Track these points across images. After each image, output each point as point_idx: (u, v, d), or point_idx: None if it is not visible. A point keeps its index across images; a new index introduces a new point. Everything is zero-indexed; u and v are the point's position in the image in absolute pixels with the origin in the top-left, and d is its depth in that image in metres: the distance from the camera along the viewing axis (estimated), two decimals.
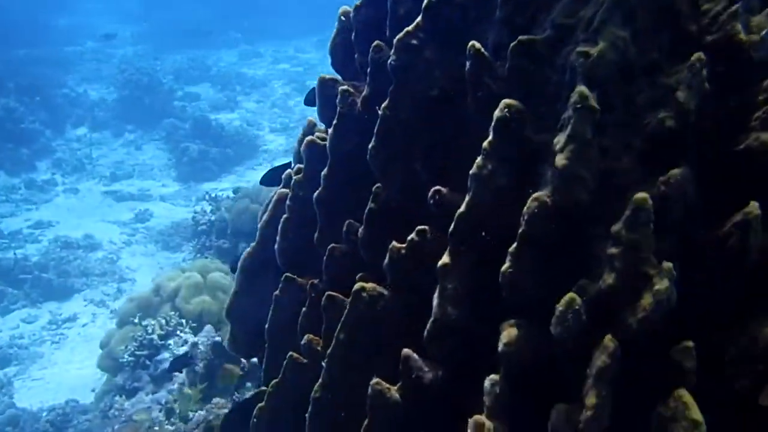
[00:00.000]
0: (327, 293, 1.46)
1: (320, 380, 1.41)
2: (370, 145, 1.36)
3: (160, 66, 12.09)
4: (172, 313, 4.22)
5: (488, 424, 1.08)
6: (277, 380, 1.57)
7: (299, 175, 1.63)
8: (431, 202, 1.26)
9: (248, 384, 3.37)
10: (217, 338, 3.54)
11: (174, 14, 14.98)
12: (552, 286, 1.07)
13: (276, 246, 1.67)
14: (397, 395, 1.28)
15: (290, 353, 1.54)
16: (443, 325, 1.19)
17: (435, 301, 1.20)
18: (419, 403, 1.27)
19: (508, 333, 1.09)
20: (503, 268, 1.09)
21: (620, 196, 1.02)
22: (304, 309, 1.58)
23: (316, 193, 1.54)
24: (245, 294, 1.80)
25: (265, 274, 1.77)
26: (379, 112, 1.32)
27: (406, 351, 1.26)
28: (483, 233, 1.15)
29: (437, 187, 1.25)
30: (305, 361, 1.54)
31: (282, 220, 1.65)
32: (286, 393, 1.55)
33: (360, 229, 1.42)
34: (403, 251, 1.28)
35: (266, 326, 1.67)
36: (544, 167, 1.08)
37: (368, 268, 1.42)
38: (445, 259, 1.19)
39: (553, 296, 1.05)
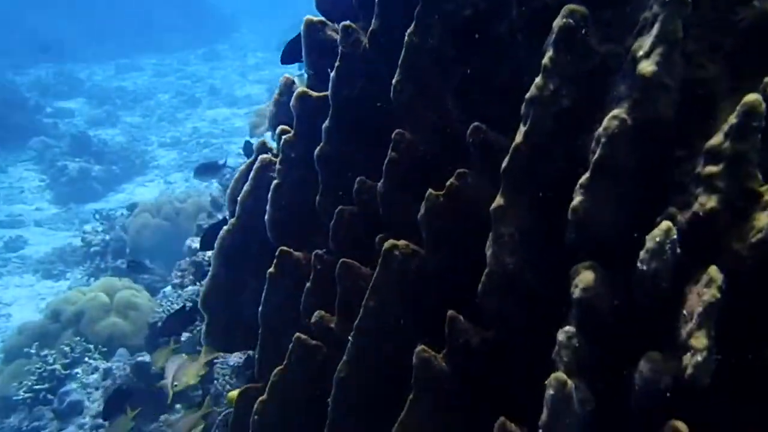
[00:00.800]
0: (341, 260, 1.29)
1: (345, 357, 1.23)
2: (394, 80, 1.20)
3: (21, 81, 11.08)
4: (77, 338, 3.75)
5: (570, 382, 0.96)
6: (281, 367, 1.37)
7: (289, 135, 1.44)
8: (471, 140, 1.13)
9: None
10: (141, 358, 3.17)
11: (29, 26, 13.75)
12: (631, 220, 0.97)
13: (266, 217, 1.47)
14: (443, 363, 1.13)
15: (297, 335, 1.35)
16: (500, 276, 1.06)
17: (489, 251, 1.07)
18: (468, 370, 1.13)
19: (585, 277, 0.97)
20: (574, 203, 0.98)
21: (706, 110, 0.95)
22: (307, 285, 1.39)
23: (317, 150, 1.36)
24: (223, 278, 1.57)
25: (246, 253, 1.55)
26: (405, 40, 1.17)
27: (452, 313, 1.12)
28: (544, 167, 1.03)
29: (477, 124, 1.13)
30: (314, 342, 1.35)
31: (272, 187, 1.46)
32: (294, 380, 1.35)
33: (379, 184, 1.26)
34: (441, 198, 1.14)
35: (260, 310, 1.46)
36: (615, 81, 0.99)
37: (389, 230, 1.27)
38: (499, 200, 1.06)
39: (631, 232, 0.95)
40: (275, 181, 1.45)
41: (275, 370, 1.37)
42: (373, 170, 1.31)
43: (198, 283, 3.74)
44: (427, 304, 1.19)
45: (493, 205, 1.06)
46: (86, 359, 3.67)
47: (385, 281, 1.18)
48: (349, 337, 1.23)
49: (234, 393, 1.93)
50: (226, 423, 2.18)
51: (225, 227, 1.56)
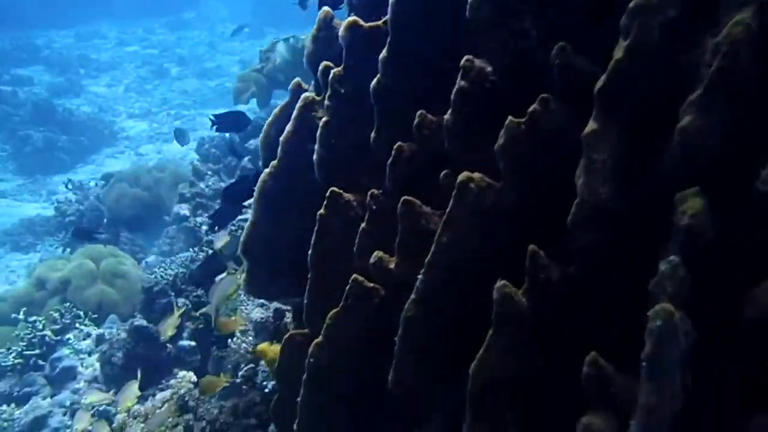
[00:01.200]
0: (403, 199, 1.23)
1: (414, 296, 1.18)
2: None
3: None
4: (67, 304, 3.62)
5: (676, 312, 0.93)
6: (336, 310, 1.31)
7: (338, 69, 1.36)
8: (556, 62, 1.07)
9: None
10: (138, 322, 3.07)
11: None
12: (747, 140, 0.93)
13: (314, 157, 1.39)
14: (523, 300, 1.09)
15: (354, 276, 1.29)
16: (592, 206, 1.02)
17: (579, 180, 1.02)
18: (548, 308, 1.09)
19: (693, 204, 0.93)
20: (683, 123, 0.93)
21: None
22: (362, 226, 1.33)
23: (373, 83, 1.29)
24: (266, 224, 1.50)
25: (289, 197, 1.48)
26: None
27: (533, 247, 1.07)
28: (645, 85, 0.99)
29: (562, 44, 1.07)
30: (371, 284, 1.30)
31: (321, 124, 1.38)
32: (350, 322, 1.30)
33: (446, 116, 1.20)
34: (523, 126, 1.09)
35: (309, 253, 1.39)
36: None
37: (455, 165, 1.21)
38: (593, 125, 1.01)
39: (746, 154, 0.92)
40: (324, 119, 1.38)
41: (330, 313, 1.31)
42: (435, 103, 1.25)
43: (191, 249, 3.63)
44: (504, 239, 1.14)
45: (586, 130, 1.01)
46: (77, 325, 3.54)
47: (460, 215, 1.13)
48: (419, 275, 1.18)
49: (264, 345, 1.88)
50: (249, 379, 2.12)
51: (266, 170, 1.49)
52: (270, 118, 1.65)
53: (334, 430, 1.39)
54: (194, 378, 2.46)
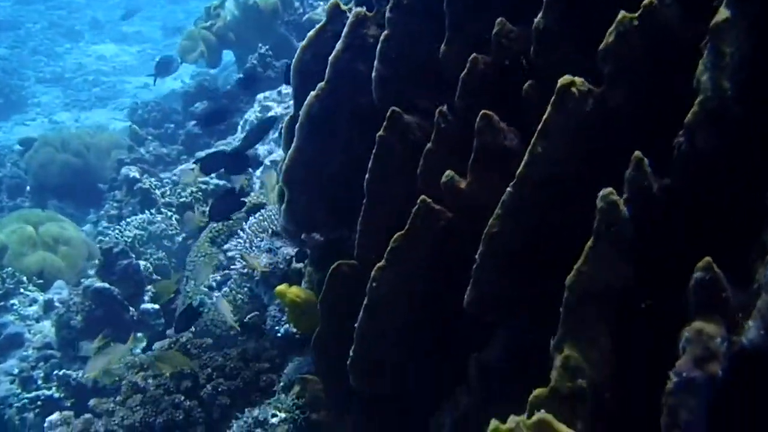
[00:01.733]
0: (482, 112, 1.16)
1: (499, 211, 1.12)
2: None
3: None
4: (9, 269, 3.29)
5: None
6: (401, 233, 1.23)
7: None
8: None
9: None
10: (98, 284, 2.83)
11: None
12: None
13: (373, 74, 1.30)
14: (625, 209, 1.06)
15: (422, 197, 1.22)
16: (716, 106, 0.99)
17: (704, 76, 0.99)
18: (648, 219, 1.07)
19: None
20: None
21: None
22: (428, 146, 1.26)
23: None
24: (311, 150, 1.39)
25: (336, 120, 1.38)
26: None
27: (637, 154, 1.04)
28: None
29: None
30: (438, 206, 1.23)
31: (382, 38, 1.29)
32: (416, 246, 1.23)
33: (536, 19, 1.14)
34: (636, 22, 1.05)
35: (366, 178, 1.31)
36: None
37: (541, 75, 1.16)
38: (725, 12, 0.98)
39: None
40: (385, 32, 1.29)
41: (396, 236, 1.24)
42: (514, 12, 1.20)
43: (147, 211, 3.41)
44: (604, 146, 1.10)
45: (717, 19, 0.96)
46: (21, 291, 3.24)
47: (559, 123, 1.08)
48: (508, 188, 1.12)
49: (282, 287, 1.78)
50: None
51: (312, 93, 1.38)
52: (304, 42, 1.54)
53: (392, 356, 1.33)
54: None
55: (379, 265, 1.26)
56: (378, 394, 1.40)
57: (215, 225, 2.66)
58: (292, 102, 1.68)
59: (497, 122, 1.19)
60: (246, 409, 1.94)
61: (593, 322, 1.08)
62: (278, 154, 3.23)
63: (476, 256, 1.17)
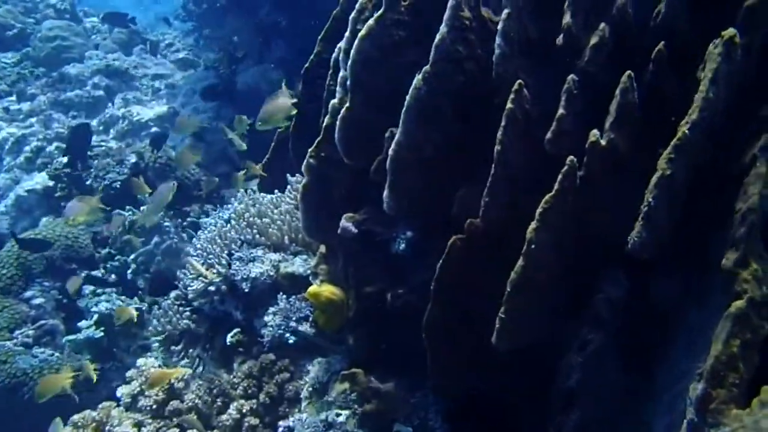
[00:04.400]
0: (627, 72, 1.30)
1: (671, 154, 1.23)
2: None
3: None
4: None
5: None
6: (552, 194, 1.32)
7: None
8: None
9: None
10: None
11: None
12: None
13: (497, 52, 1.40)
14: None
15: (570, 158, 1.32)
16: None
17: None
18: None
19: None
20: None
21: None
22: (561, 111, 1.36)
23: None
24: (416, 131, 1.46)
25: (440, 101, 1.44)
26: None
27: None
28: None
29: None
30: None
31: (503, 17, 1.39)
32: (565, 203, 1.33)
33: None
34: None
35: (496, 149, 1.38)
36: None
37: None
38: None
39: None
40: (506, 11, 1.38)
41: (546, 197, 1.32)
42: None
43: None
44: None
45: None
46: None
47: (724, 72, 1.20)
48: (682, 129, 1.21)
49: (315, 288, 1.77)
50: None
51: (418, 76, 1.42)
52: (363, 32, 1.57)
53: (541, 309, 1.39)
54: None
55: (533, 226, 1.33)
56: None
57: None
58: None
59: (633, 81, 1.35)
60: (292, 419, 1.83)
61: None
62: None
63: (650, 199, 1.27)
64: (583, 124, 1.38)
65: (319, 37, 2.09)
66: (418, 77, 1.43)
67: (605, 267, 1.41)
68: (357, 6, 1.78)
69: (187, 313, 2.28)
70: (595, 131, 1.32)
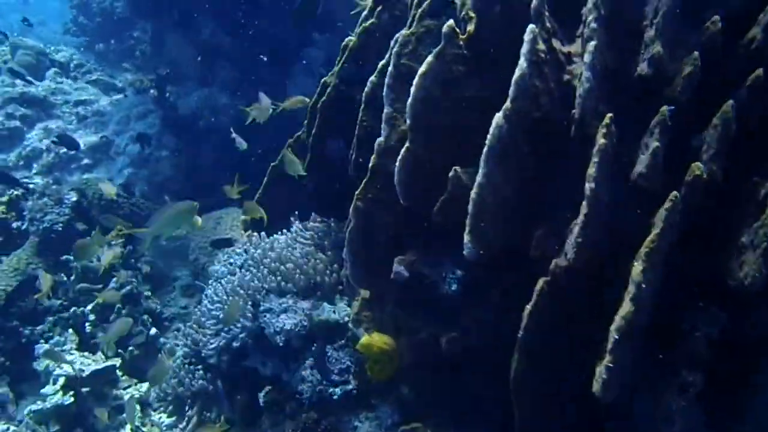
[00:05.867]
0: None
1: None
2: None
3: None
4: None
5: None
6: (656, 233, 1.29)
7: None
8: None
9: None
10: None
11: None
12: None
13: (584, 86, 1.34)
14: None
15: (673, 194, 1.28)
16: None
17: None
18: None
19: None
20: None
21: None
22: (655, 144, 1.32)
23: None
24: (497, 170, 1.38)
25: (518, 138, 1.38)
26: None
27: None
28: None
29: None
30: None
31: (590, 49, 1.33)
32: (666, 241, 1.30)
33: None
34: None
35: (588, 186, 1.31)
36: None
37: None
38: None
39: None
40: (592, 42, 1.33)
41: (652, 237, 1.28)
42: None
43: None
44: None
45: None
46: None
47: None
48: None
49: (366, 338, 1.71)
50: None
51: (499, 114, 1.34)
52: (423, 68, 1.49)
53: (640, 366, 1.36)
54: None
55: (640, 268, 1.27)
56: None
57: None
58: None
59: None
60: None
61: None
62: None
63: None
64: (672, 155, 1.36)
65: (335, 70, 1.97)
66: (499, 116, 1.36)
67: (698, 302, 1.39)
68: (399, 40, 1.69)
69: (200, 373, 2.07)
70: (698, 164, 1.30)
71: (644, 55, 1.38)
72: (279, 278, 1.95)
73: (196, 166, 4.17)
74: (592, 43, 1.34)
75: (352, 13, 2.19)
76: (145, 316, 3.34)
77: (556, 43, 1.47)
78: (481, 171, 1.39)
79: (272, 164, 2.41)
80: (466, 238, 1.42)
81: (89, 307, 3.24)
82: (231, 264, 2.09)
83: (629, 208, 1.39)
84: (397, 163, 1.56)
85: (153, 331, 3.26)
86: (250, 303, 1.92)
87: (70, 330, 3.18)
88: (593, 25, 1.35)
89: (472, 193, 1.39)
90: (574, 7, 1.50)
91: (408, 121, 1.54)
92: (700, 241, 1.37)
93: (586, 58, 1.34)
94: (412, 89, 1.51)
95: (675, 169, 1.35)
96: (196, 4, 4.03)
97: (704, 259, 1.35)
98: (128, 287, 3.30)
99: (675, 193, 1.28)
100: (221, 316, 1.95)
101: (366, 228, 1.70)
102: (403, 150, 1.56)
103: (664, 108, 1.31)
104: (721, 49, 1.34)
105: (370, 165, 1.68)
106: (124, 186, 4.03)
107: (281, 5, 3.84)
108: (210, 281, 2.09)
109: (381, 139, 1.67)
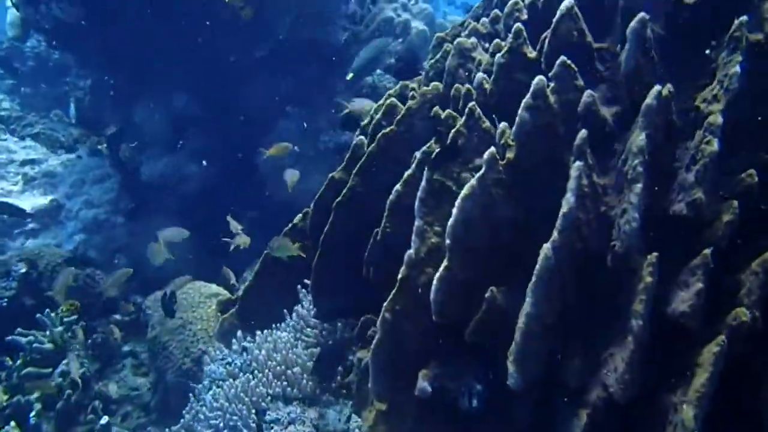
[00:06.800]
0: None
1: None
2: None
3: None
4: None
5: None
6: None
7: None
8: None
9: None
10: None
11: None
12: None
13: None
14: None
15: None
16: None
17: None
18: None
19: None
20: None
21: None
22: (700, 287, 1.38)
23: None
24: (543, 301, 1.40)
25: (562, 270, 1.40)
26: None
27: None
28: None
29: None
30: None
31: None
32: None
33: None
34: None
35: (635, 309, 1.36)
36: None
37: None
38: None
39: None
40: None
41: (702, 381, 1.30)
42: None
43: None
44: None
45: None
46: None
47: None
48: None
49: None
50: None
51: (547, 245, 1.36)
52: (465, 191, 1.54)
53: None
54: None
55: (691, 414, 1.30)
56: None
57: None
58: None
59: None
60: None
61: None
62: None
63: None
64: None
65: (354, 171, 1.98)
66: (547, 247, 1.39)
67: None
68: (424, 148, 1.73)
69: None
70: (744, 310, 1.36)
71: (682, 197, 1.45)
72: (285, 383, 1.86)
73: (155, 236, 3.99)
74: (638, 185, 1.40)
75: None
76: (96, 402, 3.11)
77: (595, 178, 1.53)
78: (528, 300, 1.40)
79: (265, 252, 2.36)
80: (511, 368, 1.42)
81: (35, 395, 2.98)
82: (229, 365, 1.98)
83: (665, 345, 1.43)
84: (435, 282, 1.56)
85: (104, 420, 3.03)
86: (253, 411, 1.82)
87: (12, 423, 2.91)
88: (639, 169, 1.41)
89: (520, 323, 1.40)
90: (607, 143, 1.58)
91: (447, 242, 1.55)
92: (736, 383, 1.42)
93: (632, 198, 1.40)
94: (454, 211, 1.53)
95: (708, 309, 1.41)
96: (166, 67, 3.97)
97: (743, 398, 1.39)
98: (82, 369, 3.07)
99: (722, 337, 1.33)
100: (221, 425, 1.82)
101: (393, 342, 1.68)
102: (441, 270, 1.56)
103: (707, 251, 1.38)
104: (757, 196, 1.43)
105: (400, 276, 1.67)
106: (78, 254, 3.80)
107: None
108: (204, 381, 1.97)
109: (411, 251, 1.67)
